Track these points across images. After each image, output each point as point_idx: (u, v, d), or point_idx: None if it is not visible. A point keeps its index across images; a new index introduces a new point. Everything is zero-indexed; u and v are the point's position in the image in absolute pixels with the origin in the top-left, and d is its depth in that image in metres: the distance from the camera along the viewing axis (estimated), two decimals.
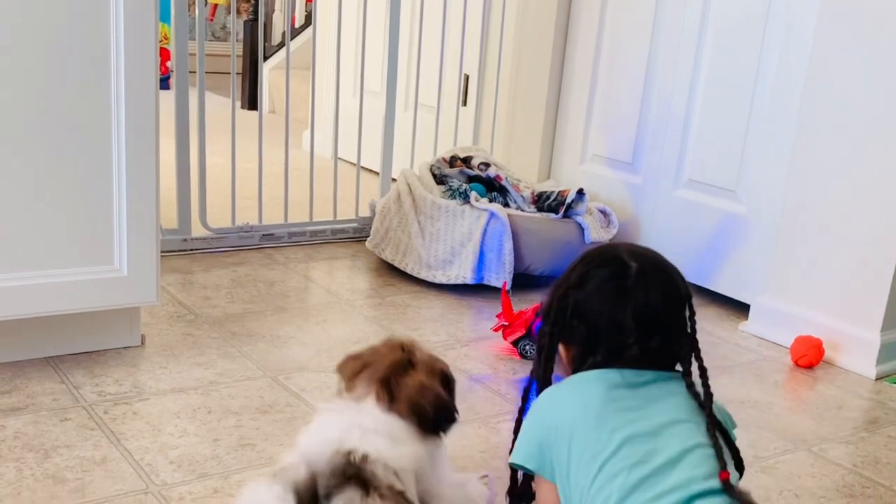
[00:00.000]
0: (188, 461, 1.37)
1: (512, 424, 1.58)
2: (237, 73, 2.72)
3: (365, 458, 1.03)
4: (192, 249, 2.37)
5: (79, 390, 1.57)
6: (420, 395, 1.17)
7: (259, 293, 2.13)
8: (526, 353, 1.88)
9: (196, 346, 1.80)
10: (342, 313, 2.06)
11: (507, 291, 1.97)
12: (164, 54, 4.44)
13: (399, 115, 2.71)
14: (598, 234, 2.39)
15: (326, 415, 1.14)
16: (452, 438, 1.50)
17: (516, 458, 1.14)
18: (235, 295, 2.10)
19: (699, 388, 1.12)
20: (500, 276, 2.24)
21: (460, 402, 1.64)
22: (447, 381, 1.26)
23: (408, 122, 2.77)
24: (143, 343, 1.78)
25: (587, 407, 1.09)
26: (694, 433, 1.06)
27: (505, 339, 1.91)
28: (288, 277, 2.27)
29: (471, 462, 1.45)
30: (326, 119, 3.10)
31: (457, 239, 2.27)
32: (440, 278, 2.26)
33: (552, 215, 2.38)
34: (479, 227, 2.25)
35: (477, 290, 2.26)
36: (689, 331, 1.15)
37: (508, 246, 2.23)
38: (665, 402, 1.10)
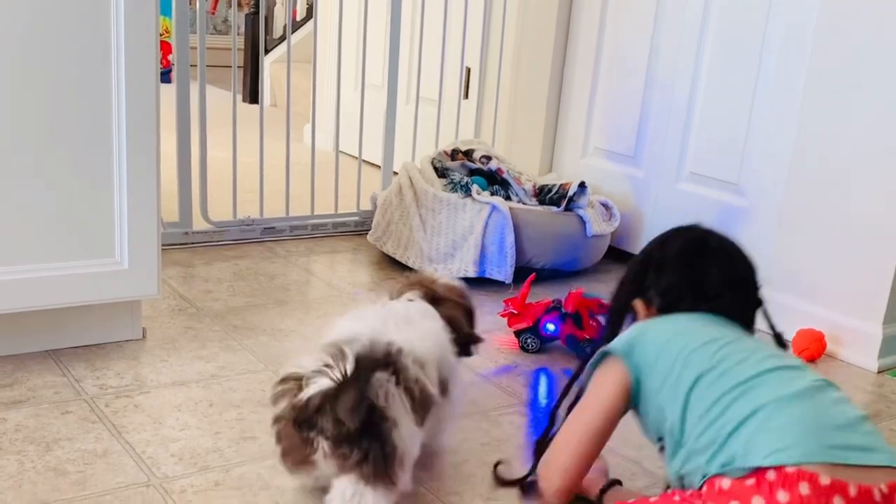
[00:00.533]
0: (189, 454, 1.37)
1: (514, 417, 1.58)
2: (238, 67, 2.71)
3: (399, 350, 1.20)
4: (193, 243, 2.36)
5: (80, 383, 1.57)
6: (450, 329, 1.39)
7: (260, 286, 2.13)
8: (527, 345, 1.88)
9: (197, 340, 1.80)
10: (343, 307, 2.06)
11: (531, 283, 1.95)
12: (166, 48, 4.44)
13: (400, 108, 2.71)
14: (599, 227, 2.39)
15: (363, 306, 1.35)
16: (454, 432, 1.51)
17: (613, 348, 1.22)
18: (237, 288, 2.10)
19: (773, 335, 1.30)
20: (501, 269, 2.23)
21: (462, 396, 1.65)
22: (469, 312, 1.50)
23: (409, 115, 2.76)
24: (144, 336, 1.78)
25: (676, 325, 1.23)
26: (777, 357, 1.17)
27: (509, 326, 1.91)
28: (289, 271, 2.27)
29: (472, 455, 1.45)
30: (328, 112, 3.09)
31: (458, 232, 2.27)
32: (442, 271, 2.25)
33: (554, 208, 2.37)
34: (481, 220, 2.24)
35: (478, 283, 2.25)
36: (758, 296, 1.29)
37: (510, 239, 2.23)
38: (753, 339, 1.23)
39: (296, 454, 1.19)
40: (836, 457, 1.00)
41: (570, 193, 2.37)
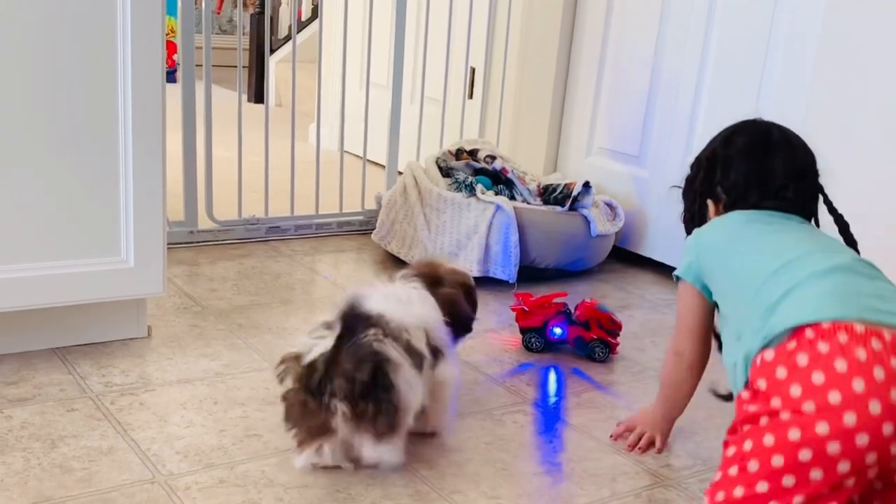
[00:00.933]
0: (194, 451, 1.38)
1: (519, 416, 1.59)
2: (243, 67, 2.72)
3: (381, 315, 1.28)
4: (198, 242, 2.37)
5: (85, 381, 1.58)
6: (447, 306, 1.44)
7: (265, 285, 2.14)
8: (531, 345, 1.88)
9: (202, 338, 1.80)
10: None
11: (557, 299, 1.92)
12: (171, 47, 4.45)
13: (405, 107, 2.71)
14: (604, 226, 2.39)
15: (367, 288, 1.38)
16: (459, 430, 1.52)
17: (679, 272, 1.38)
18: (242, 287, 2.11)
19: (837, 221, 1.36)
20: (505, 268, 2.24)
21: (466, 395, 1.65)
22: (470, 292, 1.57)
23: (414, 114, 2.77)
24: (149, 334, 1.79)
25: (732, 226, 1.32)
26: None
27: (517, 321, 1.91)
28: (294, 270, 2.28)
29: (476, 454, 1.45)
30: (332, 112, 3.10)
31: (462, 231, 2.27)
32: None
33: (558, 208, 2.38)
34: (485, 219, 2.25)
35: (482, 282, 2.25)
36: (818, 185, 1.37)
37: (514, 239, 2.23)
38: (802, 228, 1.30)
39: (312, 423, 1.25)
40: (871, 316, 1.06)
41: (575, 193, 2.38)
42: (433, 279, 1.49)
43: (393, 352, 1.25)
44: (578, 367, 1.83)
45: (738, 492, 1.06)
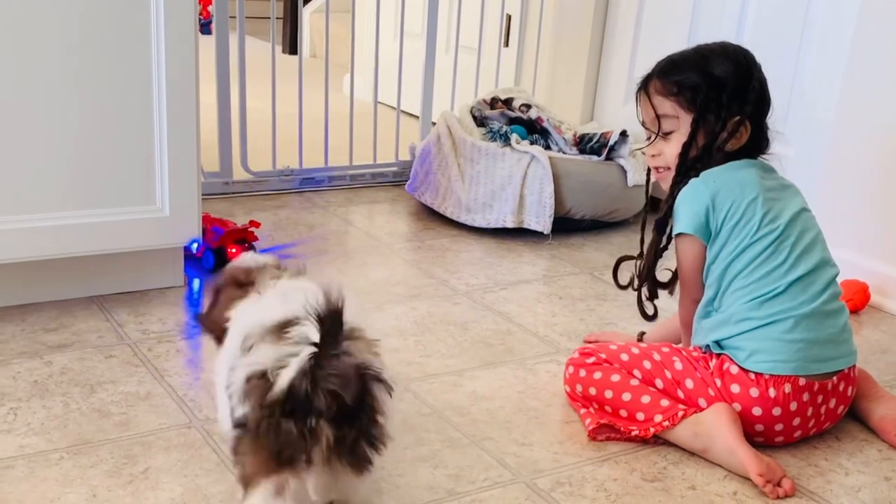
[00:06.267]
0: None
1: (551, 366, 1.58)
2: (277, 18, 2.70)
3: (356, 325, 1.02)
4: (233, 192, 2.38)
5: (123, 328, 1.61)
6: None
7: (299, 236, 2.15)
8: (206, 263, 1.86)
9: None
10: (381, 256, 2.07)
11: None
12: None
13: (440, 57, 2.68)
14: (640, 176, 2.35)
15: (251, 300, 1.13)
16: (491, 379, 1.52)
17: (680, 228, 1.39)
18: (276, 238, 2.12)
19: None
20: (540, 219, 2.22)
21: (499, 345, 1.65)
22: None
23: (448, 64, 2.73)
24: (185, 283, 1.80)
25: (749, 184, 1.37)
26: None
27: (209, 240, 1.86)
28: (328, 221, 2.28)
29: (508, 402, 1.45)
30: (366, 63, 3.07)
31: (497, 182, 2.25)
32: (479, 222, 2.25)
33: (594, 158, 2.34)
34: (520, 169, 2.22)
35: (516, 233, 2.24)
36: None
37: (549, 189, 2.21)
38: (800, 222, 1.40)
39: (288, 453, 0.96)
40: (816, 370, 1.34)
41: (612, 142, 2.34)
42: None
43: (384, 370, 1.00)
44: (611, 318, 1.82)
45: None
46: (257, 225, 1.96)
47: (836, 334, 1.38)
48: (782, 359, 1.32)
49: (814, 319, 1.34)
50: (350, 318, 0.98)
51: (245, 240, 1.90)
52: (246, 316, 1.09)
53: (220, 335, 1.14)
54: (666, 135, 1.43)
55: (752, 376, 1.33)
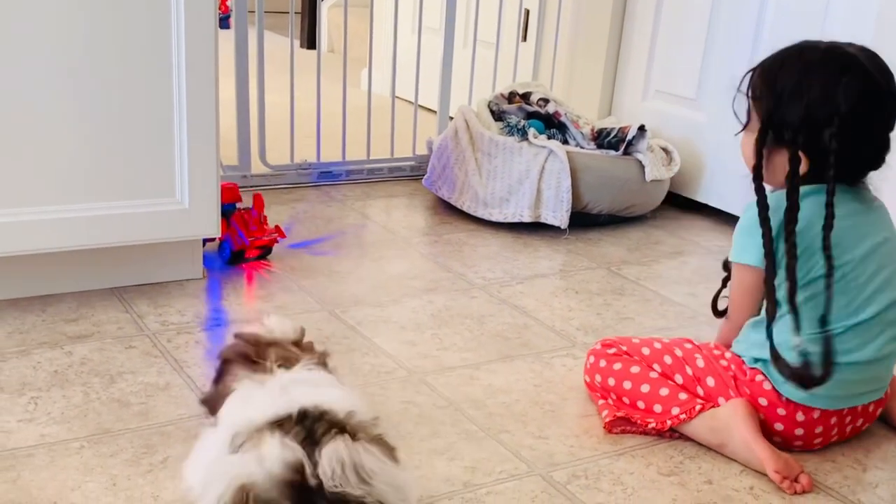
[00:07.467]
0: None
1: (568, 360, 1.58)
2: (296, 13, 2.71)
3: (319, 409, 0.96)
4: (251, 186, 2.39)
5: (143, 319, 1.62)
6: None
7: (317, 230, 2.15)
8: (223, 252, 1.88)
9: (256, 280, 1.83)
10: (398, 250, 2.07)
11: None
12: None
13: (457, 51, 2.68)
14: (659, 172, 2.34)
15: (248, 389, 1.05)
16: (507, 373, 1.52)
17: (733, 256, 1.35)
18: (294, 231, 2.13)
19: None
20: (557, 214, 2.22)
21: (516, 338, 1.65)
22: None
23: (466, 58, 2.73)
24: (204, 276, 1.82)
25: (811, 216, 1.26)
26: None
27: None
28: (345, 214, 2.29)
29: (524, 395, 1.46)
30: (384, 57, 3.08)
31: (514, 176, 2.25)
32: (496, 216, 2.25)
33: (612, 152, 2.34)
34: (537, 164, 2.22)
35: (533, 228, 2.24)
36: None
37: (566, 184, 2.20)
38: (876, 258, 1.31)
39: None
40: (852, 403, 1.33)
41: (629, 137, 2.33)
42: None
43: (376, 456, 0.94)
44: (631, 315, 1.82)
45: None
46: (283, 235, 1.96)
47: (883, 375, 1.35)
48: (820, 394, 1.28)
49: (864, 365, 1.30)
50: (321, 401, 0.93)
51: (268, 248, 1.92)
52: (238, 409, 1.01)
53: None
54: (745, 126, 1.34)
55: (784, 399, 1.30)
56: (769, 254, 1.26)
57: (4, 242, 1.55)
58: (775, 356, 1.24)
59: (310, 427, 0.91)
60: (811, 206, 1.26)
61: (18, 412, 1.30)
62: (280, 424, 0.93)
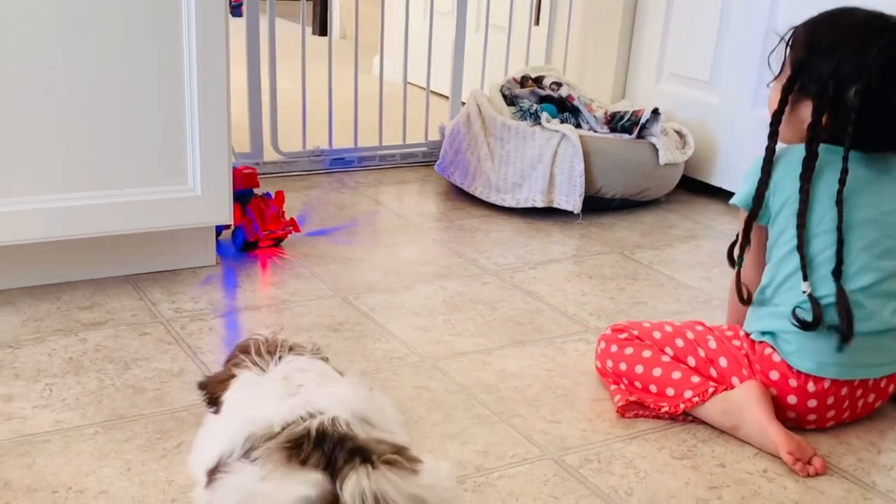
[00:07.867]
0: None
1: (580, 345, 1.58)
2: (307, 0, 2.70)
3: (339, 432, 0.85)
4: (264, 173, 2.39)
5: (156, 307, 1.63)
6: None
7: (329, 216, 2.16)
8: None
9: (269, 267, 1.84)
10: (411, 236, 2.07)
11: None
12: None
13: (469, 36, 2.67)
14: (672, 155, 2.33)
15: (249, 377, 0.95)
16: (520, 358, 1.52)
17: (734, 199, 1.38)
18: (307, 218, 2.13)
19: None
20: (570, 198, 2.21)
21: (528, 323, 1.65)
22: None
23: (478, 43, 2.72)
24: (217, 263, 1.82)
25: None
26: None
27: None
28: (358, 201, 2.29)
29: (536, 380, 1.46)
30: (396, 44, 3.07)
31: (527, 161, 2.24)
32: (509, 202, 2.24)
33: (625, 136, 2.32)
34: (550, 148, 2.21)
35: (546, 213, 2.24)
36: None
37: (579, 168, 2.19)
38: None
39: None
40: (862, 374, 1.32)
41: (643, 121, 2.32)
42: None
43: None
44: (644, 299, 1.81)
45: None
46: (297, 230, 1.95)
47: (893, 347, 1.33)
48: (829, 362, 1.29)
49: (872, 336, 1.29)
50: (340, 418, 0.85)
51: (281, 240, 1.93)
52: (243, 401, 0.93)
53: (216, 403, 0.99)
54: (777, 76, 1.36)
55: (794, 370, 1.31)
56: (759, 197, 1.31)
57: (17, 230, 1.57)
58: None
59: (329, 454, 0.83)
60: (821, 163, 1.28)
61: (34, 398, 1.31)
62: (298, 444, 0.84)
